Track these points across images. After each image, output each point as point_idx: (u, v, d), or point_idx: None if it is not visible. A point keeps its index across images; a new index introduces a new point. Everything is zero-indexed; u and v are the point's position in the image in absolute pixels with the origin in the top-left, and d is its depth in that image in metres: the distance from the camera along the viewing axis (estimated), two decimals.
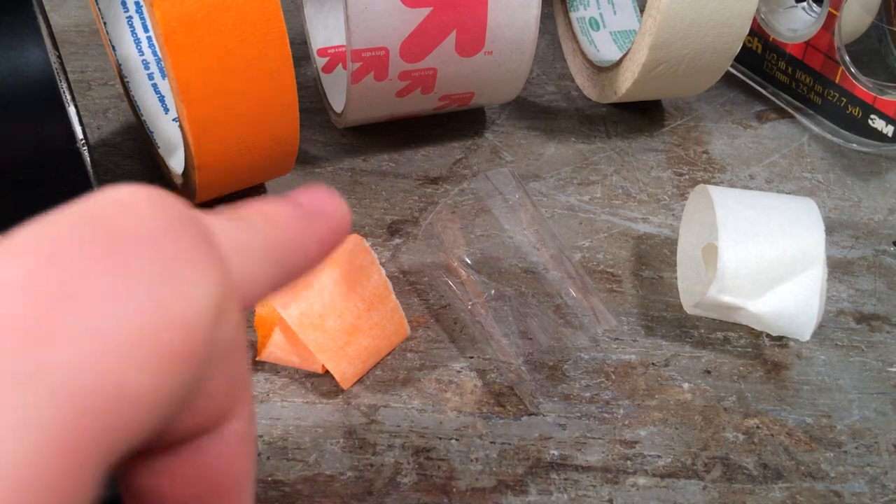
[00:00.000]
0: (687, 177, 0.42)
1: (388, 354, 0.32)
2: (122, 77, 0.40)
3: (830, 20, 0.42)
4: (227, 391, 0.13)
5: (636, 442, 0.30)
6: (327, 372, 0.31)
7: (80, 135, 0.35)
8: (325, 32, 0.45)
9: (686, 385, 0.32)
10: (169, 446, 0.13)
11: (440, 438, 0.30)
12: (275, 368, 0.32)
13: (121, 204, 0.12)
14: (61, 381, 0.10)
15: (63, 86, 0.34)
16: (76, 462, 0.10)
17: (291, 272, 0.16)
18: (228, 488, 0.13)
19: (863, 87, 0.42)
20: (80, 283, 0.10)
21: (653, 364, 0.33)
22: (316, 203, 0.17)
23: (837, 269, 0.38)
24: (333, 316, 0.29)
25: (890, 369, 0.33)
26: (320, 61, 0.44)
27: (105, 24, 0.40)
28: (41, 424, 0.09)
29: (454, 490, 0.28)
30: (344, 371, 0.30)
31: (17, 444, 0.09)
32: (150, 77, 0.41)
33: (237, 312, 0.13)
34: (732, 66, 0.48)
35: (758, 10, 0.46)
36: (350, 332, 0.30)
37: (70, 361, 0.10)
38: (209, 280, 0.12)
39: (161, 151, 0.38)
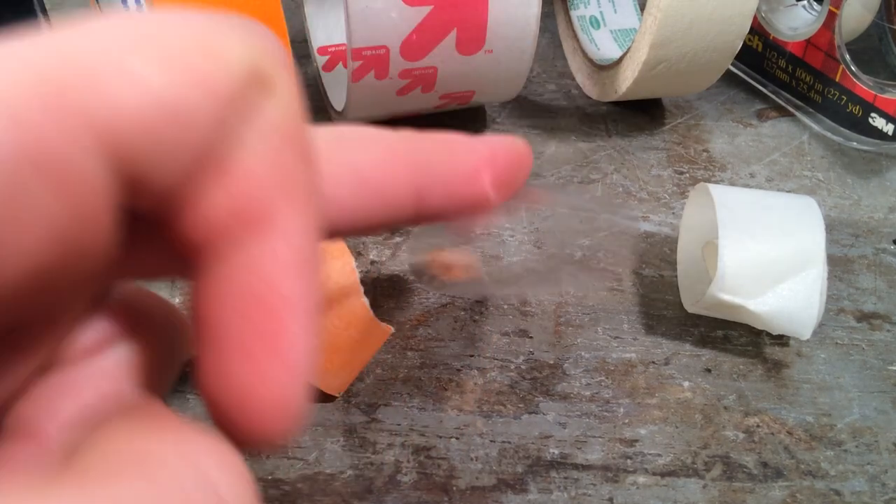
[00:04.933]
0: (687, 175, 0.42)
1: (374, 354, 0.32)
2: None
3: (831, 18, 0.42)
4: (269, 178, 0.12)
5: (636, 440, 0.30)
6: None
7: None
8: (326, 31, 0.45)
9: (686, 383, 0.32)
10: (216, 243, 0.12)
11: (440, 437, 0.30)
12: None
13: None
14: None
15: None
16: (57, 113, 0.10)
17: (390, 203, 0.15)
18: (273, 307, 0.12)
19: (863, 85, 0.42)
20: None
21: (653, 362, 0.33)
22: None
23: (837, 267, 0.38)
24: None
25: (890, 368, 0.33)
26: (321, 60, 0.44)
27: None
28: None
29: (454, 489, 0.28)
30: (329, 384, 0.30)
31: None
32: None
33: (292, 103, 0.12)
34: (733, 64, 0.48)
35: (758, 9, 0.46)
36: (330, 350, 0.30)
37: None
38: (247, 43, 0.12)
39: None
